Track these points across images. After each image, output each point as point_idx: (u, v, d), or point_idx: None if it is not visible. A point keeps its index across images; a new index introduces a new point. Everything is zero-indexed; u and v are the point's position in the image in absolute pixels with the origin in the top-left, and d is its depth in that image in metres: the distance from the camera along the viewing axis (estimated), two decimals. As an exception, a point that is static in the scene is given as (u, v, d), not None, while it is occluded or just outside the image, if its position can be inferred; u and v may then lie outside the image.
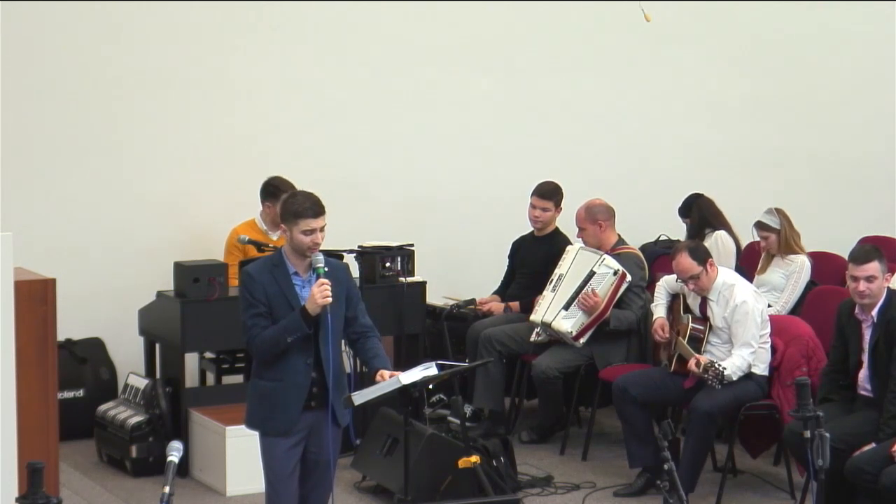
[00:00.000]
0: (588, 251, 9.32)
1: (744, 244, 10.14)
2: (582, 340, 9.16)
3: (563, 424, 9.44)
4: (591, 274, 9.13)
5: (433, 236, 10.39)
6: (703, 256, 8.33)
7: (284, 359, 6.33)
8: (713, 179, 11.10)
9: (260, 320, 6.31)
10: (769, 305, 9.16)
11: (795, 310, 9.40)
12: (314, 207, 6.32)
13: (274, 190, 9.30)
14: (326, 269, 6.30)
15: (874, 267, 7.51)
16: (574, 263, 9.29)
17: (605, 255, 9.21)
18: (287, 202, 6.41)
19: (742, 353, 8.17)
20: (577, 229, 9.56)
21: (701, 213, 10.09)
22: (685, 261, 8.30)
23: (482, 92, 10.79)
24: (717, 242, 9.83)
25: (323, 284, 6.24)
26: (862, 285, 7.52)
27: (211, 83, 10.03)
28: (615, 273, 9.12)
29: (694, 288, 8.36)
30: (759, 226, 9.53)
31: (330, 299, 6.24)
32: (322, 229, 6.33)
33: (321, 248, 6.41)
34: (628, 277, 9.16)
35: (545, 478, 8.67)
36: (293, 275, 6.36)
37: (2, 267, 7.00)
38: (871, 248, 7.69)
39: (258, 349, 6.35)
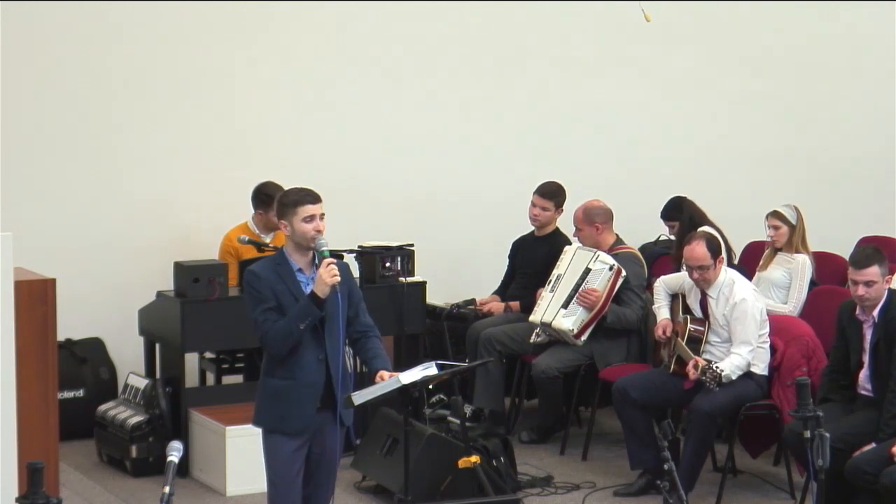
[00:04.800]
0: (584, 250, 9.33)
1: (738, 244, 10.10)
2: (583, 338, 9.16)
3: (563, 424, 9.44)
4: (587, 271, 9.14)
5: (433, 236, 10.38)
6: (716, 250, 8.31)
7: (297, 356, 6.30)
8: (713, 179, 11.11)
9: (271, 314, 6.27)
10: (784, 303, 9.21)
11: (795, 310, 9.41)
12: (311, 194, 6.35)
13: (265, 198, 9.25)
14: (330, 250, 6.30)
15: (874, 272, 7.51)
16: (571, 263, 9.30)
17: (600, 252, 9.22)
18: (282, 197, 6.42)
19: (741, 352, 8.16)
20: (575, 229, 9.58)
21: (690, 214, 10.07)
22: (700, 249, 8.24)
23: (482, 92, 10.79)
24: None
25: (330, 264, 6.23)
26: (861, 289, 7.52)
27: (211, 83, 10.03)
28: (610, 268, 9.14)
29: (698, 278, 8.31)
30: (776, 215, 9.46)
31: (338, 278, 6.22)
32: (322, 217, 6.33)
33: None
34: (623, 272, 9.17)
35: (545, 478, 8.67)
36: (297, 272, 6.34)
37: (2, 267, 7.00)
38: (871, 252, 7.66)
39: (272, 342, 6.30)
